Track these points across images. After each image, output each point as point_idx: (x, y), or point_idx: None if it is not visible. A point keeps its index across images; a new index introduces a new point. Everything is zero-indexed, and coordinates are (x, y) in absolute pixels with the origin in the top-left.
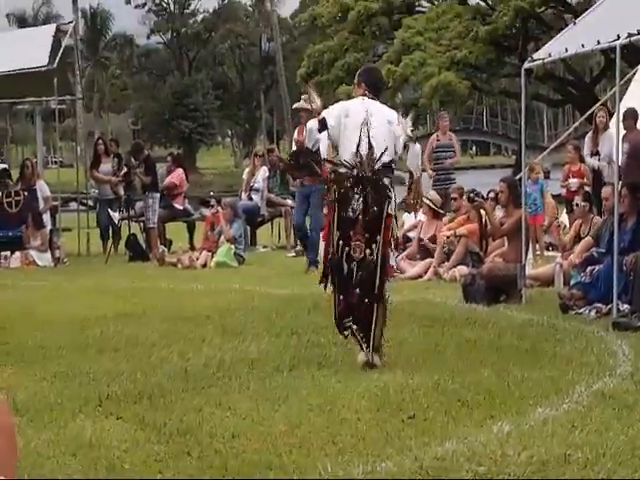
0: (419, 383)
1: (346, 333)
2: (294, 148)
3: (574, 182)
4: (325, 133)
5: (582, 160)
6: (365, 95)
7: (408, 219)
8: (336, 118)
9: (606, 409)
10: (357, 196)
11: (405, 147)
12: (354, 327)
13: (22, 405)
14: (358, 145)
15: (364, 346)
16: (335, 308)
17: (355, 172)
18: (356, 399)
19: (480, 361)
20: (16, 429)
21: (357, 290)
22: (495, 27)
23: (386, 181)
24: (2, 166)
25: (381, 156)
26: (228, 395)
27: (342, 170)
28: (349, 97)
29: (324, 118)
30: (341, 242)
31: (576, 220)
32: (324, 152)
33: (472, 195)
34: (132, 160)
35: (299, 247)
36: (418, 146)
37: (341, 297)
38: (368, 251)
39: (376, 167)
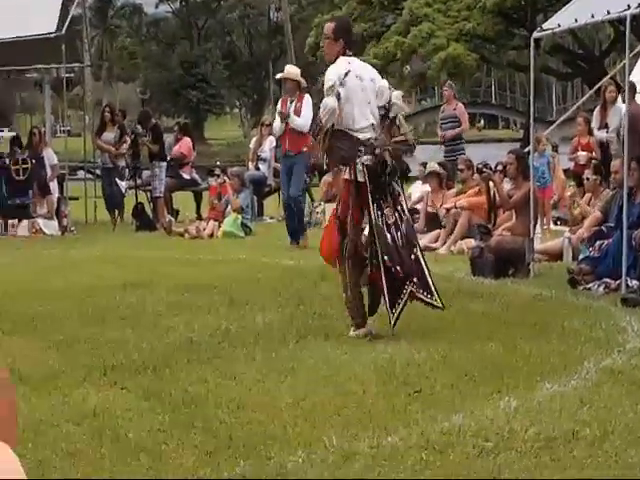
0: (426, 357)
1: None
2: (277, 121)
3: (583, 155)
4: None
5: (591, 133)
6: (345, 54)
7: (415, 191)
8: (342, 87)
9: (615, 385)
10: (383, 178)
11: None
12: (414, 289)
13: (26, 374)
14: (375, 122)
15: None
16: (387, 283)
17: (378, 155)
18: (362, 371)
19: (487, 335)
20: (15, 395)
21: (405, 252)
22: None
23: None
24: (12, 134)
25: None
26: (234, 366)
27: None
28: None
29: (338, 92)
30: (379, 213)
31: (586, 194)
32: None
33: (481, 167)
34: (139, 128)
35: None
36: (397, 92)
37: (398, 268)
38: (397, 214)
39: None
